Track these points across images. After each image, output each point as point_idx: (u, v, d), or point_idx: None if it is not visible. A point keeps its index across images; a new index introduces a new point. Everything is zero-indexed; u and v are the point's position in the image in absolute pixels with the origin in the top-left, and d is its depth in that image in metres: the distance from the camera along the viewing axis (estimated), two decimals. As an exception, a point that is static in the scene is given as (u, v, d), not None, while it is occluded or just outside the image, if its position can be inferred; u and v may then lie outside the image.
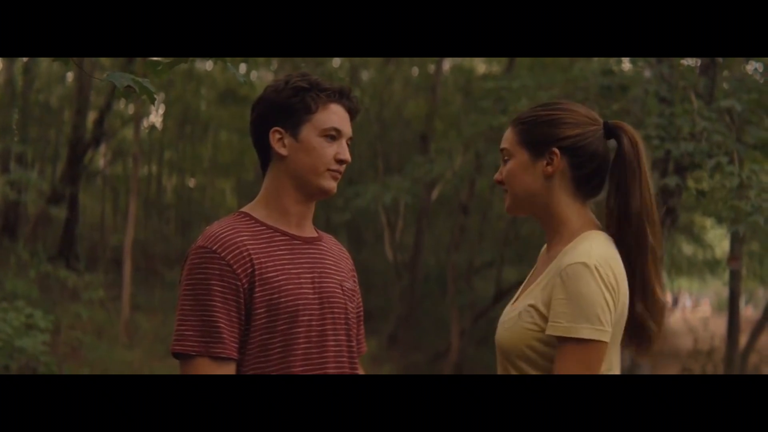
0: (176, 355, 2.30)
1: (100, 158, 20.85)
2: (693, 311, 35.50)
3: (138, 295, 15.10)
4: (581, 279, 2.16)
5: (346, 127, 2.48)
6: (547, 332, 2.19)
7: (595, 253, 2.20)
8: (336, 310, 2.45)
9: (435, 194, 17.23)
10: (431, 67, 18.07)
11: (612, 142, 2.38)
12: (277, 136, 2.44)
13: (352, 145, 2.53)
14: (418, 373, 14.58)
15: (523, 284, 2.46)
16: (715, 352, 17.87)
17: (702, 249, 20.01)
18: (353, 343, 2.52)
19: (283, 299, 2.33)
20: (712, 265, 20.15)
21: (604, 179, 2.37)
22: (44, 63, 16.87)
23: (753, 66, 8.44)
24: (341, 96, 2.48)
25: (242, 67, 13.74)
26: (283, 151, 2.44)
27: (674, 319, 26.88)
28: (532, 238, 16.48)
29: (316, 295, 2.41)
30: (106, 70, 14.27)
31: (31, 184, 14.40)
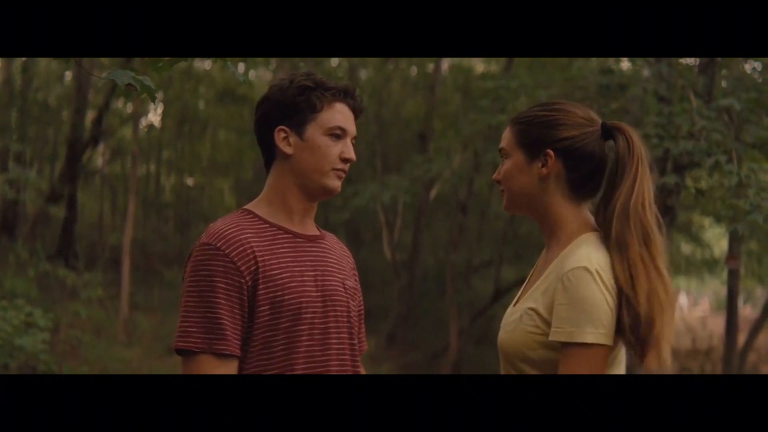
0: (179, 352, 2.30)
1: (98, 157, 20.86)
2: (691, 310, 35.51)
3: (137, 294, 15.09)
4: (583, 284, 2.16)
5: (351, 126, 2.49)
6: (551, 338, 2.19)
7: (594, 257, 2.20)
8: (338, 308, 2.46)
9: (433, 193, 17.22)
10: (430, 67, 18.05)
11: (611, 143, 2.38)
12: (282, 134, 2.45)
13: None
14: (416, 372, 14.57)
15: (524, 286, 2.46)
16: (713, 351, 17.89)
17: (700, 248, 20.00)
18: (355, 342, 2.53)
19: (286, 297, 2.34)
20: (710, 264, 20.13)
21: (601, 181, 2.36)
22: (43, 62, 16.86)
23: (752, 65, 8.44)
24: (346, 95, 2.49)
25: (240, 67, 13.74)
26: (288, 150, 2.44)
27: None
28: (530, 237, 16.48)
29: (319, 293, 2.41)
30: (105, 68, 14.26)
31: (29, 183, 14.40)
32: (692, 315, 30.76)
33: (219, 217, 2.50)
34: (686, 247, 20.04)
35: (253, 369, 2.32)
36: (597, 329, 2.13)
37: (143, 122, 20.27)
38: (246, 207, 2.50)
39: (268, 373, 2.32)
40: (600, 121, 2.38)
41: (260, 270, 2.32)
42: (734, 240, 13.22)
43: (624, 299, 2.19)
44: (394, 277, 17.92)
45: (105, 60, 14.76)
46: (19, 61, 16.43)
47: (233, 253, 2.30)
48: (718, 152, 6.25)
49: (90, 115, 17.38)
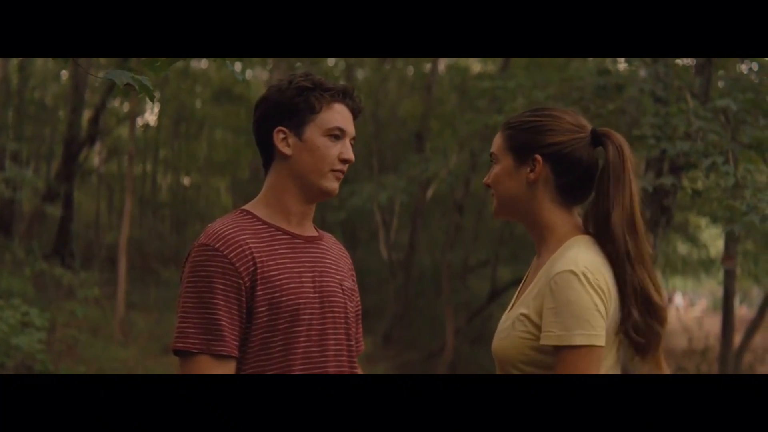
0: (177, 352, 2.30)
1: (95, 156, 20.87)
2: (687, 310, 35.52)
3: (133, 293, 15.09)
4: (569, 287, 2.16)
5: (350, 127, 2.49)
6: (541, 342, 2.19)
7: (582, 259, 2.21)
8: (336, 309, 2.46)
9: (430, 193, 17.22)
10: (427, 67, 18.06)
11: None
12: (281, 135, 2.44)
13: (349, 144, 2.53)
14: (412, 372, 14.58)
15: (518, 291, 2.46)
16: (709, 351, 17.91)
17: (697, 248, 20.02)
18: (353, 343, 2.53)
19: (284, 298, 2.34)
20: (706, 265, 20.16)
21: (590, 187, 2.36)
22: (39, 61, 16.87)
23: (748, 66, 8.45)
24: (345, 95, 2.49)
25: (237, 66, 13.73)
26: (286, 151, 2.44)
27: (668, 319, 26.87)
28: (526, 237, 16.35)
29: (317, 294, 2.41)
30: (101, 68, 14.25)
31: (26, 182, 14.39)
32: (688, 315, 30.78)
33: (215, 216, 2.51)
34: (682, 248, 20.06)
35: (251, 370, 2.32)
36: (586, 331, 2.13)
37: (140, 121, 20.30)
38: (244, 207, 2.49)
39: (265, 374, 2.32)
40: (590, 127, 2.38)
41: (258, 271, 2.32)
42: (730, 240, 13.23)
43: (626, 300, 2.22)
44: (391, 276, 17.93)
45: (102, 59, 14.76)
46: (15, 60, 16.43)
47: (231, 254, 2.30)
48: (715, 153, 6.25)
49: (87, 114, 17.39)
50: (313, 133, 2.43)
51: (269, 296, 2.32)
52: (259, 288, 2.31)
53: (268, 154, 2.49)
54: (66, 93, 18.23)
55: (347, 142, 2.49)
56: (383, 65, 18.32)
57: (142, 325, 13.73)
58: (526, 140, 2.35)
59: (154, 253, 19.20)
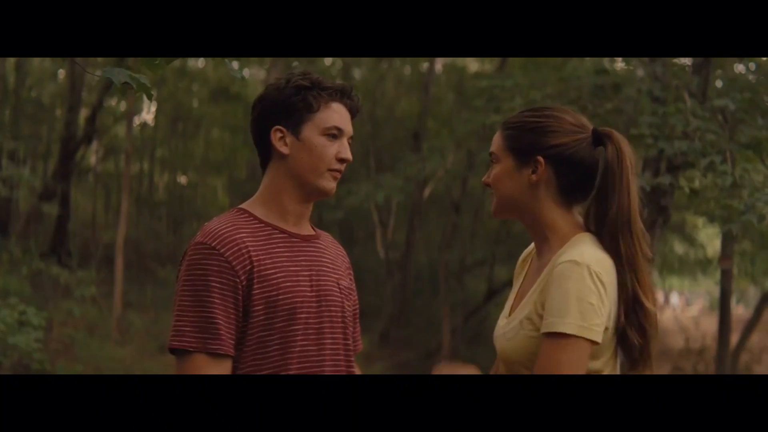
0: (173, 351, 2.29)
1: (91, 155, 20.85)
2: (684, 310, 35.56)
3: (130, 292, 15.09)
4: (570, 276, 2.14)
5: (348, 126, 2.48)
6: (541, 331, 2.17)
7: (587, 253, 2.19)
8: (333, 308, 2.45)
9: (427, 192, 17.26)
10: (424, 66, 18.07)
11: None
12: (279, 134, 2.44)
13: (347, 143, 2.53)
14: (409, 372, 14.58)
15: (513, 295, 2.44)
16: (706, 350, 17.94)
17: (693, 248, 20.05)
18: (350, 342, 2.52)
19: (281, 296, 2.33)
20: (703, 264, 20.19)
21: (591, 186, 2.34)
22: (36, 60, 16.84)
23: (745, 66, 8.46)
24: (343, 95, 2.48)
25: (234, 65, 13.73)
26: (284, 150, 2.43)
27: (665, 318, 26.93)
28: (523, 236, 16.27)
29: (314, 293, 2.41)
30: (98, 66, 14.23)
31: (23, 180, 14.38)
32: (685, 315, 30.82)
33: (212, 215, 2.50)
34: (679, 247, 20.10)
35: (248, 368, 2.31)
36: (577, 321, 2.10)
37: (137, 120, 20.25)
38: (241, 206, 2.49)
39: (262, 373, 2.31)
40: (591, 127, 2.37)
41: (255, 269, 2.31)
42: (727, 240, 13.24)
43: (628, 302, 2.21)
44: (388, 276, 17.95)
45: (99, 58, 14.75)
46: (12, 59, 16.41)
47: (228, 253, 2.30)
48: (713, 153, 6.26)
49: (83, 113, 17.39)
50: (310, 132, 2.42)
51: (266, 295, 2.32)
52: (255, 286, 2.31)
53: (266, 153, 2.48)
54: (63, 92, 18.24)
55: (345, 141, 2.47)
56: (380, 65, 18.33)
57: (138, 324, 13.74)
58: (528, 141, 2.33)
59: (151, 252, 19.20)
